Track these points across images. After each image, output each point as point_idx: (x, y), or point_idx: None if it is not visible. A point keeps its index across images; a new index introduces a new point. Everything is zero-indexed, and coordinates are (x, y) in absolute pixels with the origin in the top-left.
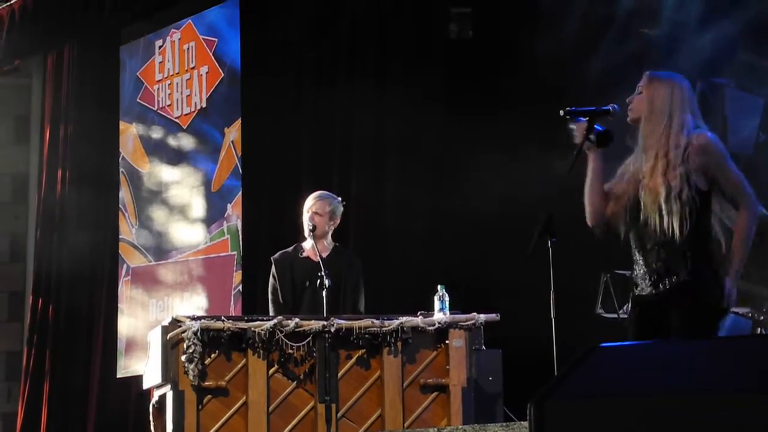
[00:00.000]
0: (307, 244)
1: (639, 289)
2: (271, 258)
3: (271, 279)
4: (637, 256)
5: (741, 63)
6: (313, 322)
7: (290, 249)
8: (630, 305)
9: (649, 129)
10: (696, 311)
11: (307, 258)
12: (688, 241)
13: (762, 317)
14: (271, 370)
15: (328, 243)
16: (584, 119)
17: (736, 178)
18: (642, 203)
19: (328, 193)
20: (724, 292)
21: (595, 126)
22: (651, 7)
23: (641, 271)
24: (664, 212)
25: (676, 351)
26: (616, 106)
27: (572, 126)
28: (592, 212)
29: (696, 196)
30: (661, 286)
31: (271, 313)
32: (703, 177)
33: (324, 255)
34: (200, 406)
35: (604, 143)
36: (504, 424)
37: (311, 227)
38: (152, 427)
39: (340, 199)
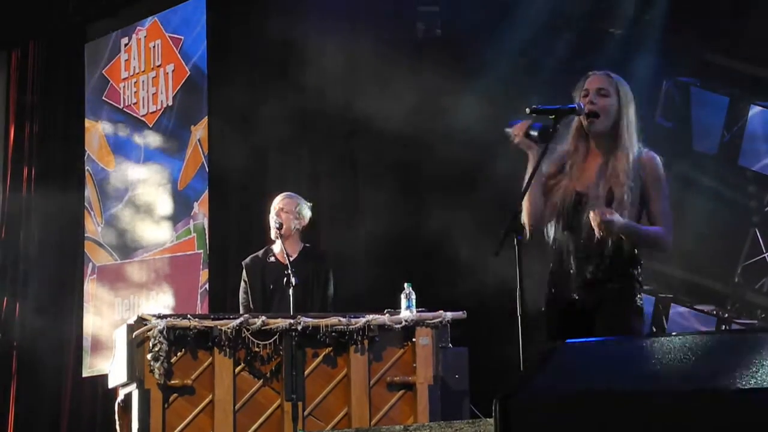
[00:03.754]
0: (276, 247)
1: (561, 288)
2: (242, 263)
3: (242, 283)
4: (570, 262)
5: (707, 62)
6: (279, 320)
7: (260, 253)
8: (547, 301)
9: (603, 130)
10: (623, 319)
11: (276, 261)
12: (627, 251)
13: (726, 315)
14: (238, 369)
15: (296, 244)
16: (521, 121)
17: (666, 205)
18: (581, 210)
19: (295, 194)
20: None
21: (534, 124)
22: (618, 7)
23: (571, 275)
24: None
25: (641, 347)
26: (581, 104)
27: (508, 129)
28: (533, 212)
29: (640, 207)
30: (592, 294)
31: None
32: (640, 191)
33: (293, 256)
34: (166, 405)
35: (546, 138)
36: (470, 421)
37: (278, 225)
38: (118, 426)
39: (308, 203)
